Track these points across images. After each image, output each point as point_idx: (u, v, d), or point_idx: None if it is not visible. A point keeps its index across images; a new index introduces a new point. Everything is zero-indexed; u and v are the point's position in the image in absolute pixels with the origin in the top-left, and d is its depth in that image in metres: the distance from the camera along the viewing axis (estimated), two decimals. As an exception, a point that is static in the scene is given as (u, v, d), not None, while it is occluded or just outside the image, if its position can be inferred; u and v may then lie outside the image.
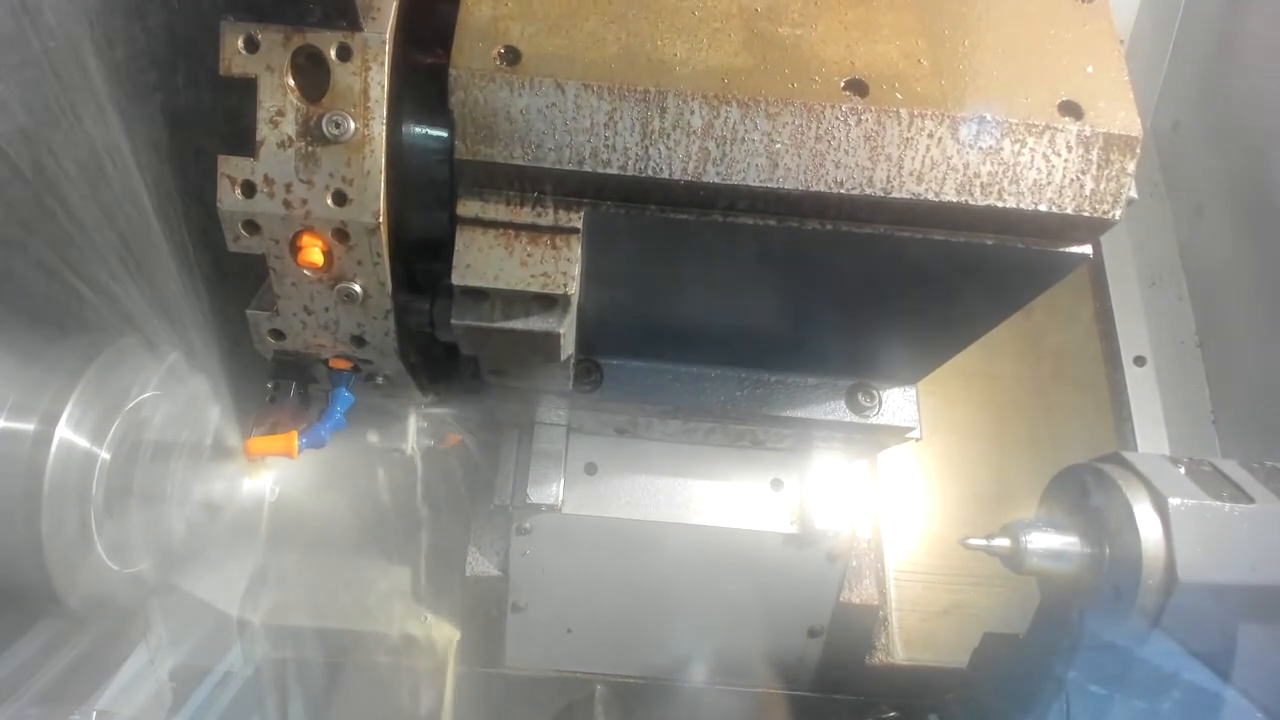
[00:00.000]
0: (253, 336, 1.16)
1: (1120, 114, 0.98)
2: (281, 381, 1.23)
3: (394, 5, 0.97)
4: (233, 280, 1.19)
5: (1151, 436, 2.03)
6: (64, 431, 1.10)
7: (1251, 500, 1.21)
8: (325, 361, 1.21)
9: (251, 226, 1.01)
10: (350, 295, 1.06)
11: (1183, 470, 1.26)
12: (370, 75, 0.96)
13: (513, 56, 0.96)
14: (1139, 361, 2.11)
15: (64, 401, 1.10)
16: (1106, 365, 2.14)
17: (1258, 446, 1.91)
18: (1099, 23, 1.04)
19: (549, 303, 1.05)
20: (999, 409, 2.04)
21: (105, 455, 1.16)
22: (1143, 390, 2.08)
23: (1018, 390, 2.06)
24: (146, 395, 1.23)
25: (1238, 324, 2.03)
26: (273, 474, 1.39)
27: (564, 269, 1.03)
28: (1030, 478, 1.47)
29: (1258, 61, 1.99)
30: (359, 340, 1.14)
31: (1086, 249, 1.04)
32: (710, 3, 1.01)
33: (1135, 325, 2.14)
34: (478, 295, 1.05)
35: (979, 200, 0.99)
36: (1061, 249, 1.04)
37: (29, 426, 1.09)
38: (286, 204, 0.99)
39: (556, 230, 1.03)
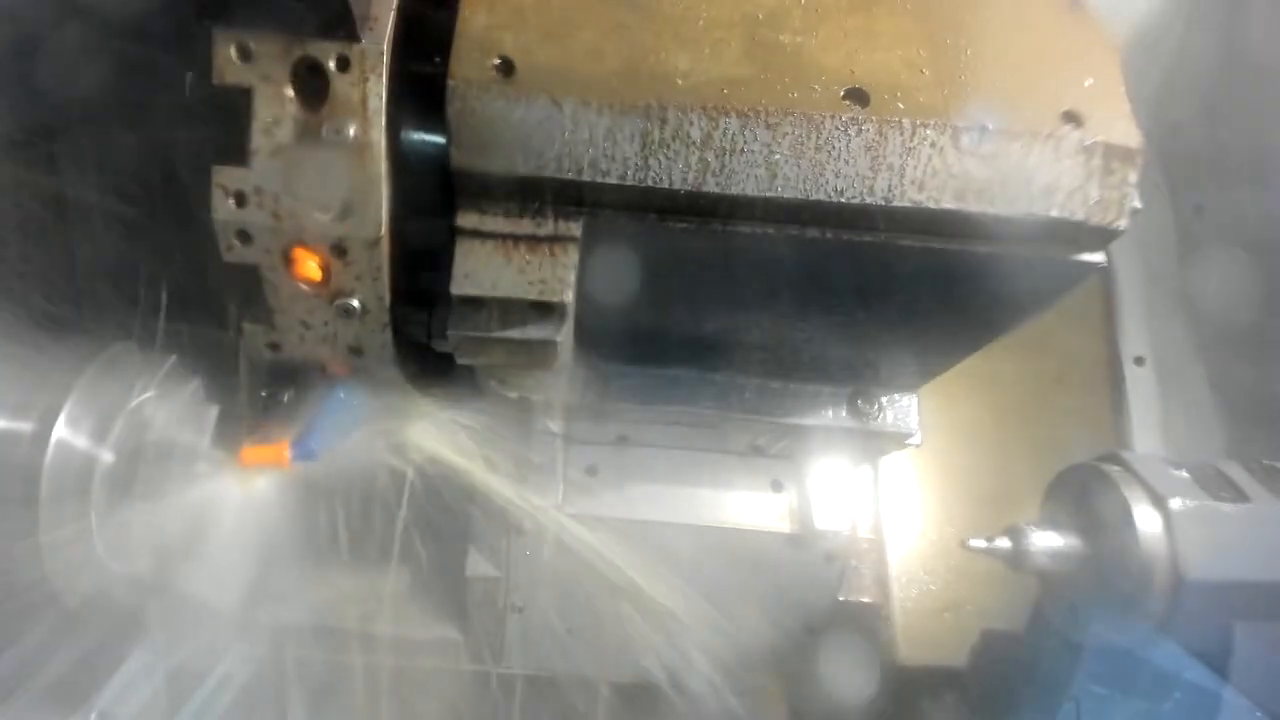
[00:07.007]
0: (249, 349, 1.16)
1: (1120, 125, 0.98)
2: (276, 390, 1.23)
3: (392, 15, 0.96)
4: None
5: (1152, 437, 2.03)
6: (62, 432, 1.10)
7: (1250, 500, 1.21)
8: (321, 370, 1.21)
9: (244, 236, 1.01)
10: (348, 310, 1.06)
11: (1183, 471, 1.26)
12: (369, 85, 0.95)
13: (506, 68, 0.95)
14: (1139, 361, 2.10)
15: (62, 401, 1.10)
16: (1107, 365, 2.13)
17: (1258, 446, 1.91)
18: (1096, 33, 1.03)
19: (546, 310, 1.05)
20: (1000, 409, 2.03)
21: (104, 456, 1.15)
22: (1143, 390, 2.08)
23: (1019, 391, 2.06)
24: (146, 396, 1.23)
25: (1238, 324, 2.03)
26: (269, 476, 1.39)
27: (561, 276, 1.03)
28: (1031, 478, 1.47)
29: (1259, 62, 1.98)
30: (356, 351, 1.14)
31: (1099, 257, 1.03)
32: (714, 11, 1.00)
33: (1136, 325, 2.13)
34: (475, 305, 1.04)
35: (982, 209, 0.98)
36: (1075, 256, 1.03)
37: (27, 426, 1.09)
38: (274, 215, 0.99)
39: (555, 239, 1.02)
